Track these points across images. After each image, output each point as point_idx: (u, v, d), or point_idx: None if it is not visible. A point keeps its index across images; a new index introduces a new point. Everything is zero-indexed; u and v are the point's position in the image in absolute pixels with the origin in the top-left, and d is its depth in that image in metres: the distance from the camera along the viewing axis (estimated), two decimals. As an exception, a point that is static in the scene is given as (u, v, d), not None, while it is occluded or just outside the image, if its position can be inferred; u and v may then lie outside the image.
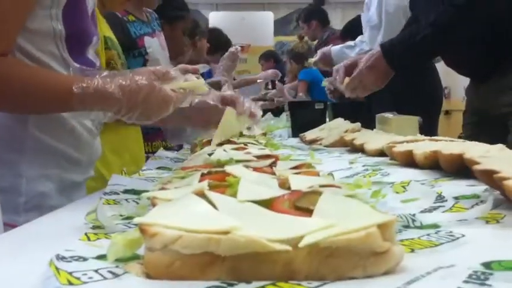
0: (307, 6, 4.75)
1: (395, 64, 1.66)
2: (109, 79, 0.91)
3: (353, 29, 3.08)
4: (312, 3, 4.68)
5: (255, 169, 0.77)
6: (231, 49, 2.94)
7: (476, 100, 1.78)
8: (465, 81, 1.90)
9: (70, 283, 0.43)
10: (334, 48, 2.85)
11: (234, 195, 0.54)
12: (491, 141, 1.06)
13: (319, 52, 2.91)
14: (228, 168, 0.72)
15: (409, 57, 1.67)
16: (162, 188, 0.68)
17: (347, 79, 1.73)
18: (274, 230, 0.44)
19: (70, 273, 0.44)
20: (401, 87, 2.33)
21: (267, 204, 0.51)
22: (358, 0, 4.32)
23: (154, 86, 0.92)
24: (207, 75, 3.43)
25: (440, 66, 2.58)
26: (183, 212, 0.49)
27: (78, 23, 1.07)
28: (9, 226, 0.91)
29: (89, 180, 1.22)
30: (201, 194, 0.53)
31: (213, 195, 0.53)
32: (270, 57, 6.07)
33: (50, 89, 0.93)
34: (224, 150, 1.01)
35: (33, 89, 0.92)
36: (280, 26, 8.65)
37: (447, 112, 6.17)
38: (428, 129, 1.87)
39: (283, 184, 0.64)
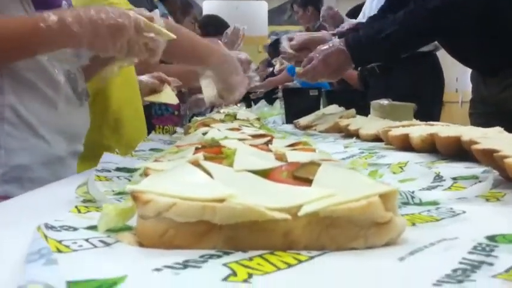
0: None
1: (359, 59, 1.65)
2: (69, 11, 0.92)
3: (358, 14, 3.04)
4: None
5: (251, 146, 0.75)
6: (236, 25, 2.88)
7: (484, 90, 1.73)
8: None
9: (59, 251, 0.41)
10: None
11: (230, 166, 0.52)
12: None
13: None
14: (223, 143, 0.70)
15: (373, 53, 1.65)
16: (156, 161, 0.66)
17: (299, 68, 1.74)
18: (272, 199, 0.42)
19: (59, 242, 0.42)
20: (401, 74, 2.32)
21: (265, 174, 0.49)
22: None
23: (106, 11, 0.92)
24: None
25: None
26: (178, 180, 0.47)
27: None
28: None
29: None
30: (197, 164, 0.51)
31: (208, 164, 0.51)
32: None
33: (15, 30, 0.92)
34: (218, 130, 0.99)
35: None
36: (274, 16, 8.60)
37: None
38: (430, 117, 1.84)
39: (280, 159, 0.62)
